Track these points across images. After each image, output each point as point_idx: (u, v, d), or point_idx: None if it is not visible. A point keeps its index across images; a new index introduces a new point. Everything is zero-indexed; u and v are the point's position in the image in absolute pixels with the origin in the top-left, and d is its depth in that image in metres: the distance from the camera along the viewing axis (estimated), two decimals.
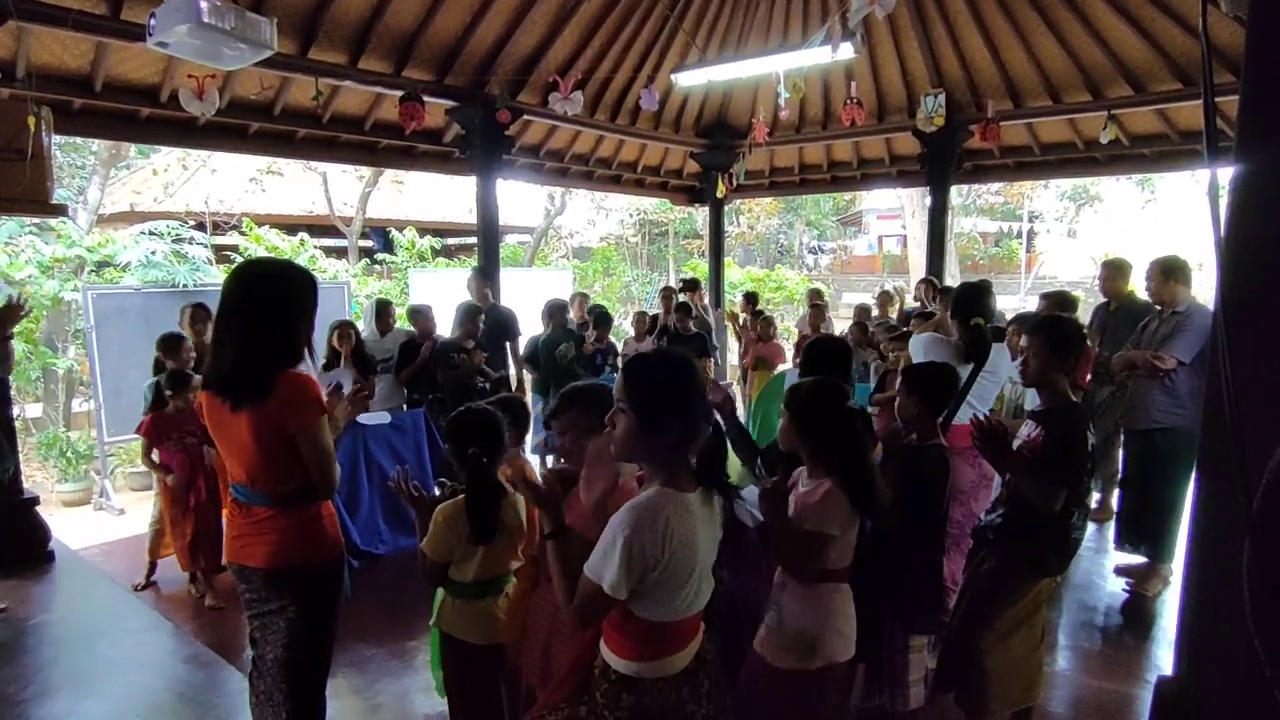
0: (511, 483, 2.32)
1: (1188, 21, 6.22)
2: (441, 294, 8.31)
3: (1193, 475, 4.19)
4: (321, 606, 2.47)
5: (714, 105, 9.53)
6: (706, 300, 9.95)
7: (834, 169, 10.42)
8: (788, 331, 13.86)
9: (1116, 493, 5.05)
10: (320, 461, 2.32)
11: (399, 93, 6.32)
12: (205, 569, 4.56)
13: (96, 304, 7.25)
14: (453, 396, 5.55)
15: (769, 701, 2.32)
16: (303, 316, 2.38)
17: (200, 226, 11.50)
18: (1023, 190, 23.59)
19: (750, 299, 9.30)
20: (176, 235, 9.52)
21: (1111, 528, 5.00)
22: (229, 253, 11.37)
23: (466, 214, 15.47)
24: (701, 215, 18.42)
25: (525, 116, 7.47)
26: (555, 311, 6.88)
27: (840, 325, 9.10)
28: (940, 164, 8.46)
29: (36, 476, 8.47)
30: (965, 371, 3.57)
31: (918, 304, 7.47)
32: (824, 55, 5.45)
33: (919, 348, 3.80)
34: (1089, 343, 4.99)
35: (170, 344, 4.83)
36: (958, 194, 20.12)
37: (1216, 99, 1.26)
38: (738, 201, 18.28)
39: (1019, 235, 27.04)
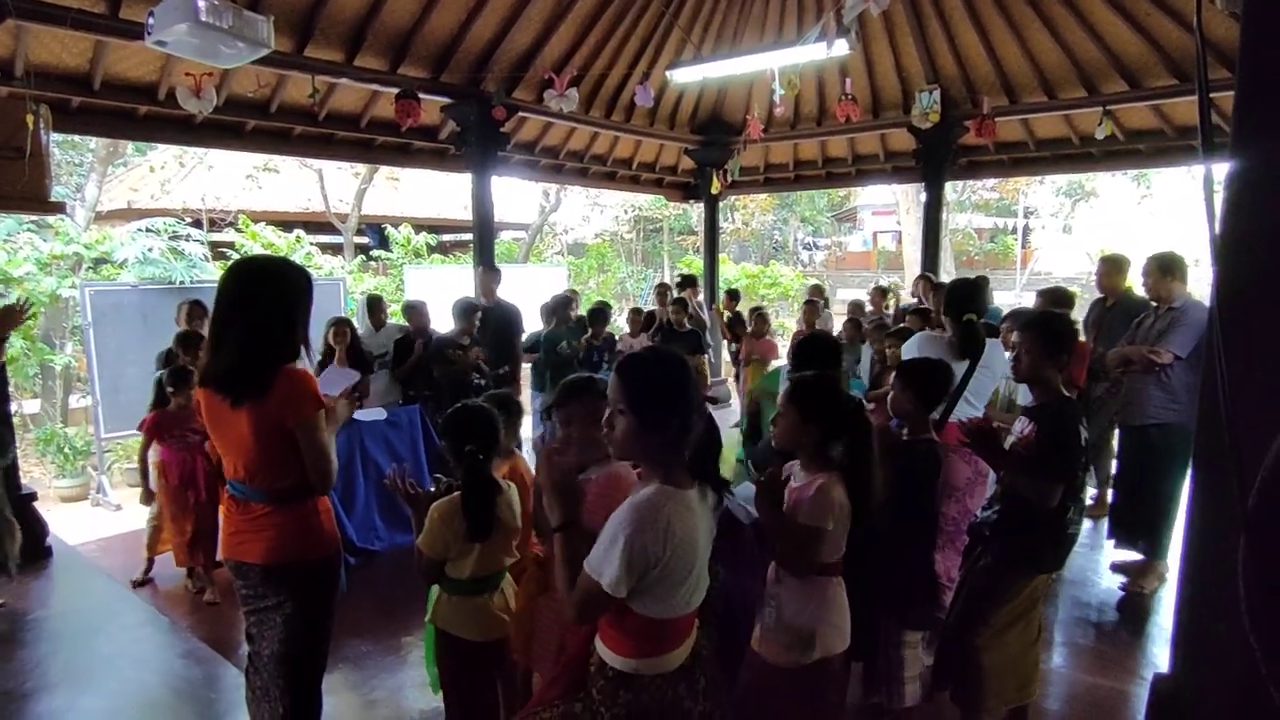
0: (524, 478, 2.32)
1: (1183, 17, 6.24)
2: (437, 290, 8.30)
3: (1188, 471, 4.20)
4: (318, 602, 2.48)
5: (709, 102, 9.53)
6: (701, 298, 9.96)
7: (829, 165, 10.44)
8: (783, 328, 13.89)
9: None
10: (317, 457, 2.33)
11: (395, 90, 6.33)
12: (204, 565, 4.56)
13: (94, 301, 7.24)
14: (448, 393, 5.55)
15: (769, 700, 2.33)
16: (299, 313, 2.39)
17: (197, 223, 11.48)
18: (1018, 186, 23.61)
19: (733, 296, 9.32)
20: (173, 232, 9.51)
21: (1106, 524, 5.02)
22: (225, 250, 11.35)
23: (462, 210, 15.47)
24: (696, 211, 18.41)
25: (520, 113, 7.49)
26: (558, 307, 6.89)
27: (837, 321, 9.11)
28: (935, 160, 8.48)
29: (34, 472, 8.46)
30: (960, 368, 3.58)
31: (914, 300, 7.48)
32: (819, 52, 5.46)
33: (913, 348, 3.80)
34: (1085, 339, 5.01)
35: (188, 342, 4.81)
36: (953, 190, 20.18)
37: (1212, 94, 1.26)
38: (732, 198, 18.31)
39: (1014, 231, 27.04)
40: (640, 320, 7.76)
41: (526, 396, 7.16)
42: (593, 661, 1.82)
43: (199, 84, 5.28)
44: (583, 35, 7.36)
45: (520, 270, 13.24)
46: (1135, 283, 5.20)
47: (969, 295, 3.79)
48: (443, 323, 6.29)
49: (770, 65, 6.01)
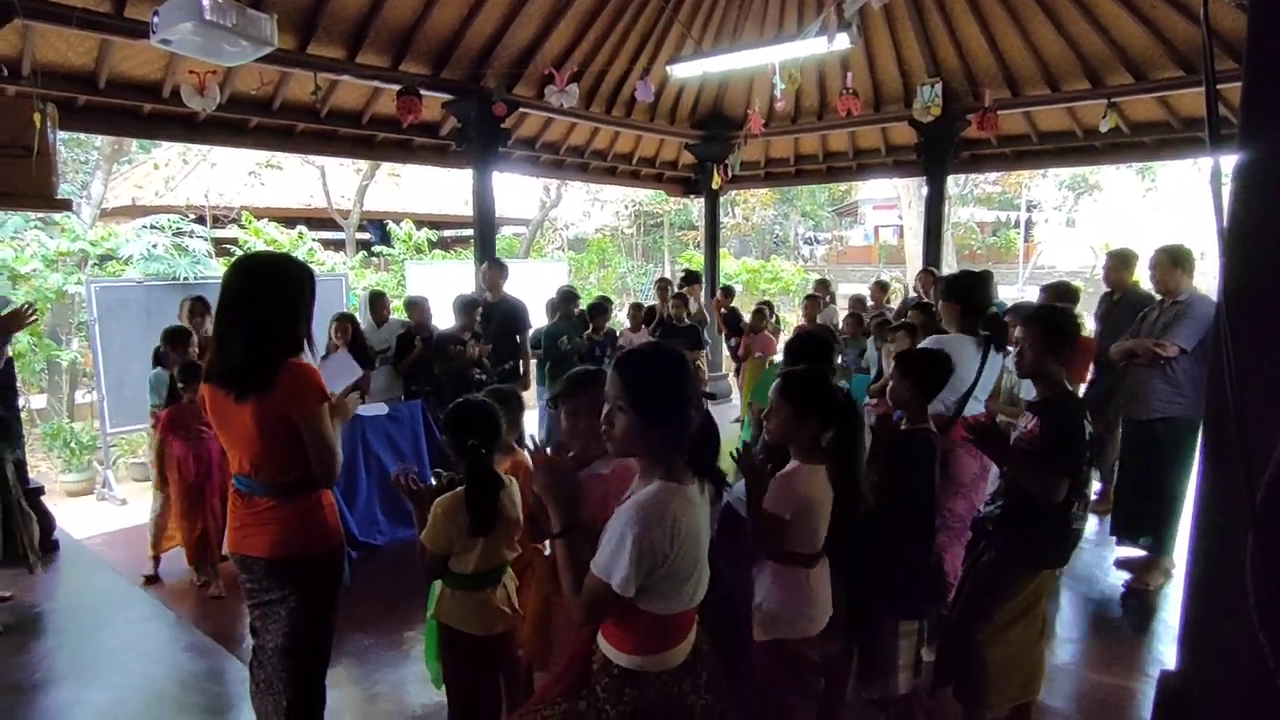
0: (526, 473, 2.32)
1: (1189, 8, 6.20)
2: (438, 286, 8.32)
3: (1194, 466, 4.20)
4: (322, 596, 2.49)
5: (709, 97, 9.52)
6: (703, 293, 9.96)
7: (830, 159, 10.42)
8: (784, 323, 13.87)
9: None
10: (321, 450, 2.35)
11: (396, 87, 6.33)
12: (211, 559, 4.56)
13: (99, 297, 7.26)
14: (450, 388, 5.56)
15: (755, 672, 2.42)
16: (302, 308, 2.41)
17: (200, 220, 11.52)
18: (1021, 179, 23.55)
19: (727, 293, 9.34)
20: (177, 229, 9.54)
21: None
22: (229, 246, 11.38)
23: (463, 206, 15.48)
24: (697, 206, 18.39)
25: (521, 109, 7.48)
26: (561, 301, 6.90)
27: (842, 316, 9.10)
28: (937, 154, 8.46)
29: (41, 467, 8.51)
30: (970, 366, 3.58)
31: (916, 295, 7.47)
32: (820, 46, 5.44)
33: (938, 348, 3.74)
34: (1091, 333, 4.99)
35: (176, 337, 4.83)
36: (954, 183, 20.11)
37: (1219, 86, 1.26)
38: (733, 193, 18.27)
39: (1017, 225, 27.00)
40: (640, 315, 7.76)
41: (534, 392, 7.18)
42: (595, 659, 1.81)
43: (203, 82, 5.29)
44: (583, 31, 7.35)
45: (521, 265, 13.22)
46: (1141, 277, 5.19)
47: (973, 286, 3.79)
48: (444, 318, 6.30)
49: (771, 60, 5.99)
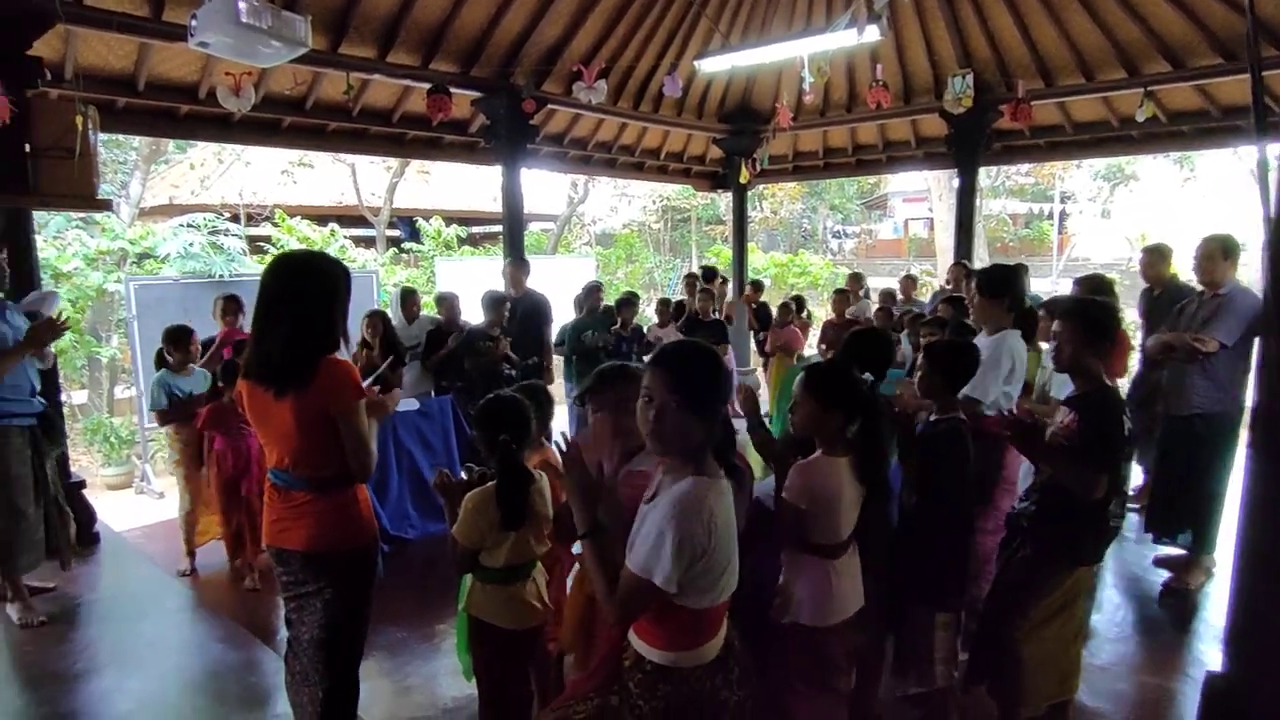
0: (555, 469, 2.34)
1: None
2: (467, 282, 8.39)
3: (1234, 463, 4.11)
4: (357, 590, 2.54)
5: (737, 90, 9.48)
6: (730, 287, 9.94)
7: (859, 152, 10.31)
8: (812, 317, 13.79)
9: None
10: (358, 445, 2.40)
11: (426, 85, 6.39)
12: (250, 553, 4.64)
13: (138, 294, 7.43)
14: (480, 384, 5.61)
15: (777, 655, 2.44)
16: (339, 306, 2.45)
17: (235, 218, 11.73)
18: (1054, 170, 23.14)
19: (756, 287, 9.31)
20: (213, 227, 9.72)
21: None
22: (262, 243, 11.58)
23: (491, 203, 15.56)
24: (724, 200, 18.34)
25: (550, 106, 7.50)
26: (586, 296, 6.93)
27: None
28: (968, 145, 8.34)
29: (82, 460, 8.73)
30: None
31: (949, 287, 7.40)
32: (849, 38, 5.38)
33: (990, 347, 3.57)
34: (1137, 329, 4.89)
35: (177, 337, 4.77)
36: (986, 175, 19.83)
37: (1262, 73, 1.24)
38: (760, 186, 18.16)
39: (1050, 216, 26.54)
40: (669, 311, 7.77)
41: (560, 388, 7.21)
42: (627, 656, 1.82)
43: (238, 83, 5.38)
44: (610, 27, 7.35)
45: (549, 261, 13.31)
46: (1179, 268, 5.09)
47: (1010, 279, 3.74)
48: (473, 314, 6.35)
49: (799, 53, 5.94)
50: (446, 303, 6.30)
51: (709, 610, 1.74)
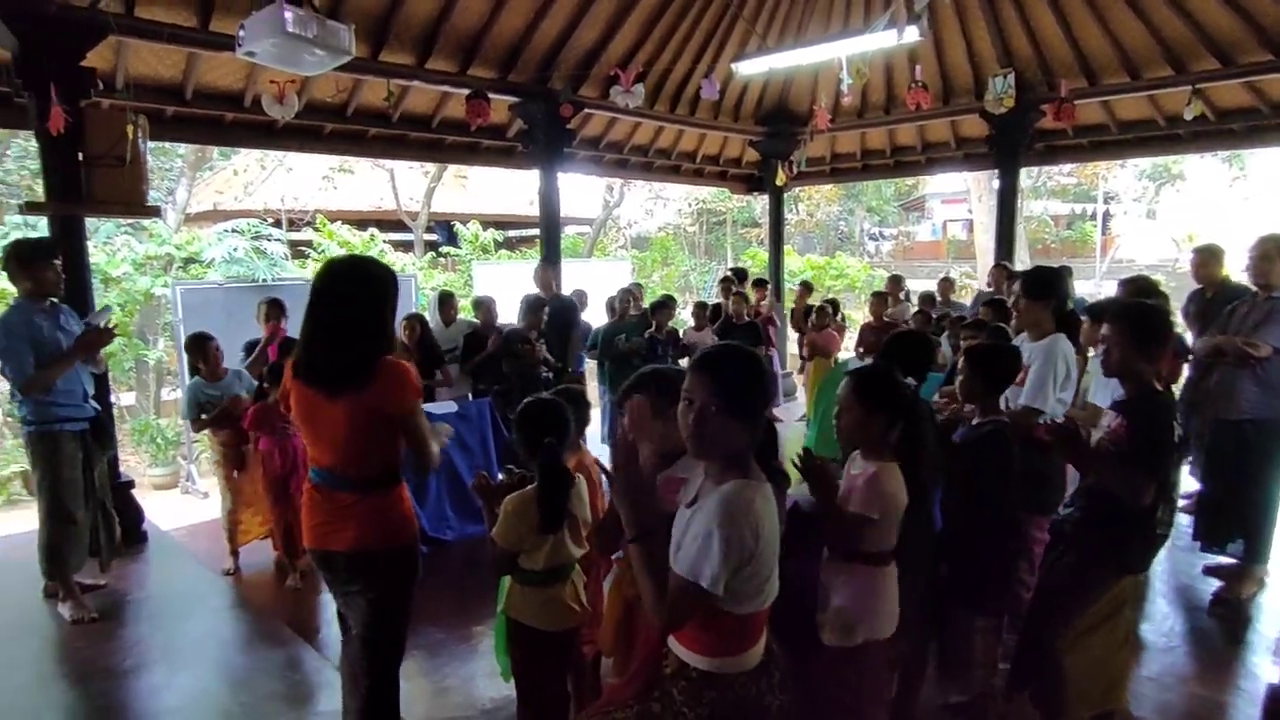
0: (590, 472, 2.34)
1: None
2: (504, 285, 8.46)
3: None
4: (399, 588, 2.58)
5: (774, 92, 9.44)
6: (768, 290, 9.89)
7: (897, 154, 10.22)
8: (850, 320, 13.69)
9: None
10: (422, 441, 2.48)
11: (465, 91, 6.46)
12: (297, 552, 4.69)
13: (184, 299, 7.62)
14: (518, 386, 5.65)
15: (823, 679, 2.37)
16: (390, 308, 2.51)
17: (277, 223, 11.95)
18: (1097, 170, 22.65)
19: (806, 288, 9.25)
20: (256, 232, 9.92)
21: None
22: (304, 248, 11.79)
23: (527, 206, 15.71)
24: (760, 203, 18.27)
25: (586, 110, 7.53)
26: (621, 300, 6.94)
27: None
28: (1010, 146, 8.22)
29: (130, 461, 8.93)
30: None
31: (989, 290, 7.28)
32: (889, 40, 5.33)
33: (1041, 352, 3.53)
34: (1188, 332, 4.77)
35: (193, 344, 4.94)
36: (1027, 175, 19.48)
37: None
38: (796, 189, 18.09)
39: (1093, 217, 25.97)
40: (705, 314, 7.76)
41: (593, 390, 7.24)
42: (668, 662, 1.80)
43: (282, 91, 5.50)
44: (647, 31, 7.37)
45: (584, 265, 13.38)
46: (1230, 270, 4.95)
47: (1054, 282, 3.67)
48: (510, 318, 6.40)
49: (838, 54, 5.90)
50: (483, 306, 6.37)
51: (753, 616, 1.73)
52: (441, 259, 14.33)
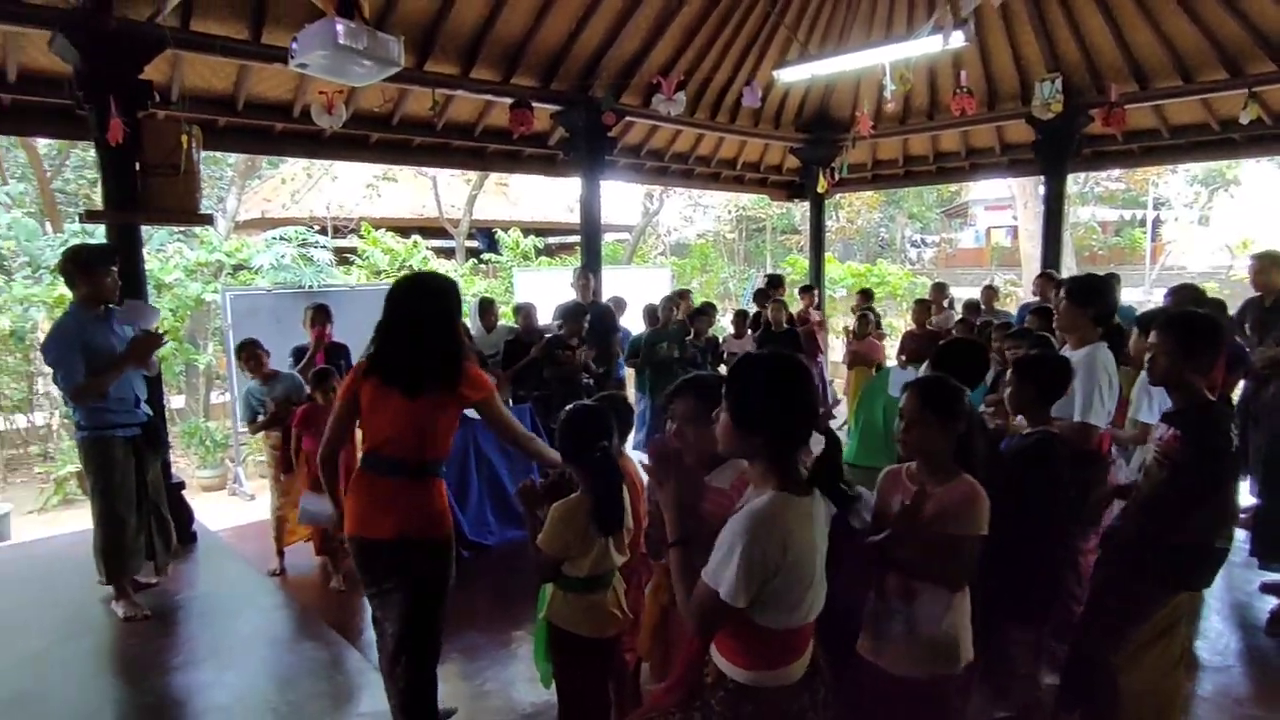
0: (630, 479, 2.35)
1: None
2: (544, 292, 8.52)
3: None
4: (435, 582, 2.67)
5: (815, 99, 9.38)
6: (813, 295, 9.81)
7: (940, 160, 10.08)
8: (891, 328, 13.52)
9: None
10: (506, 426, 2.85)
11: (508, 100, 6.53)
12: (339, 553, 4.77)
13: (233, 304, 7.81)
14: (559, 393, 5.68)
15: (903, 714, 2.26)
16: (459, 316, 2.80)
17: (323, 231, 12.18)
18: (1148, 175, 22.10)
19: (865, 295, 9.15)
20: (303, 239, 10.12)
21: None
22: (349, 255, 11.99)
23: (567, 213, 15.80)
24: (799, 210, 18.14)
25: (628, 118, 7.56)
26: (663, 308, 6.95)
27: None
28: (1056, 151, 8.05)
29: (180, 463, 9.15)
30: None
31: (1035, 298, 7.15)
32: (934, 45, 5.28)
33: (1080, 364, 3.51)
34: (1246, 341, 4.65)
35: (240, 350, 5.16)
36: (1074, 181, 19.07)
37: None
38: (837, 195, 17.94)
39: (1142, 223, 25.33)
40: (745, 322, 7.73)
41: (630, 397, 7.25)
42: (708, 672, 1.79)
43: (330, 101, 5.61)
44: (689, 38, 7.38)
45: (624, 272, 13.41)
46: None
47: (1100, 290, 3.58)
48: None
49: (882, 60, 5.85)
50: (524, 312, 6.41)
51: (794, 630, 1.71)
52: (483, 266, 14.48)
